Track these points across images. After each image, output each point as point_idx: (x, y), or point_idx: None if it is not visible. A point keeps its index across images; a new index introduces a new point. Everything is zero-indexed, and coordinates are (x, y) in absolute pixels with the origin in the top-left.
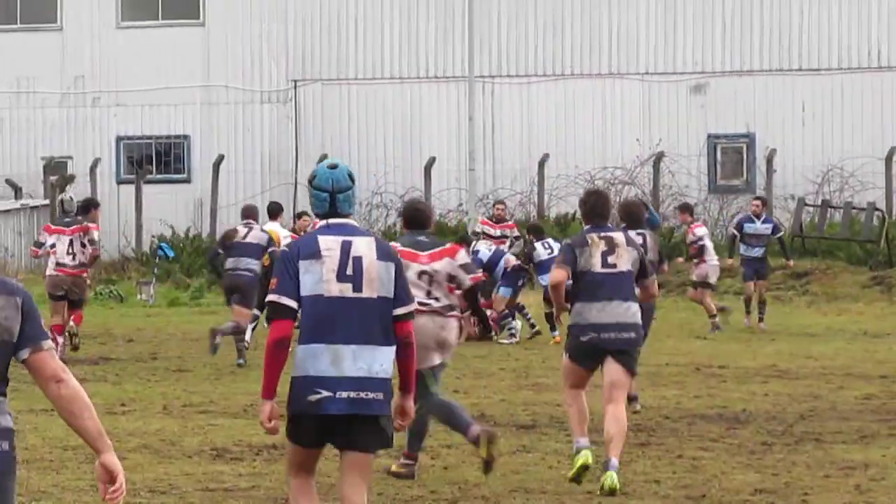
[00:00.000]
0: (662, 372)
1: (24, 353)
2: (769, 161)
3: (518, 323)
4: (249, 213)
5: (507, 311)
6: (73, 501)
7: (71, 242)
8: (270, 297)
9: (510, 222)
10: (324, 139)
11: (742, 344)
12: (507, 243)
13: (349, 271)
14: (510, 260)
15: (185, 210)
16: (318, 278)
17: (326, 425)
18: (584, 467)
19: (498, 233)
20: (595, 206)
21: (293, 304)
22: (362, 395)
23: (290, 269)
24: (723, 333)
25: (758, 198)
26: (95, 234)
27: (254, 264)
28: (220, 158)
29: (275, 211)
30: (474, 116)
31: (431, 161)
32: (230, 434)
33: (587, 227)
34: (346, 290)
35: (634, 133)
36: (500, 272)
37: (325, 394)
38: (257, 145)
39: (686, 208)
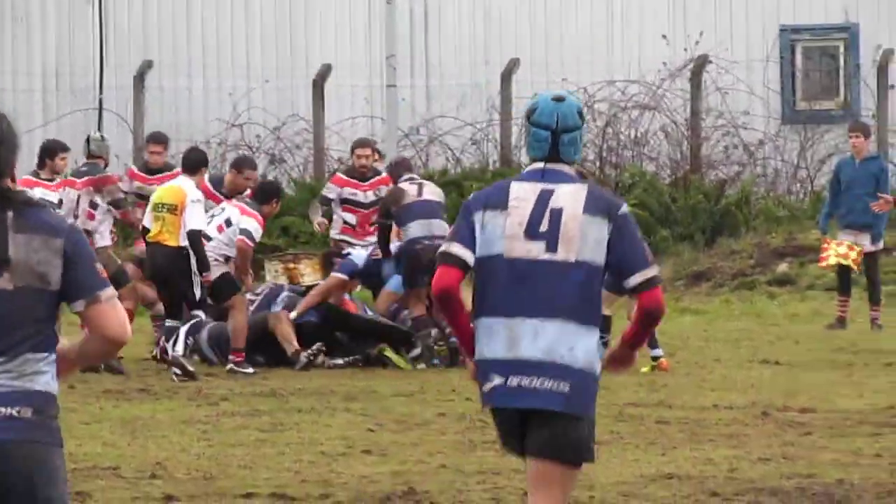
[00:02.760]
0: (708, 419)
1: (79, 305)
2: (881, 69)
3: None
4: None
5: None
6: None
7: (78, 200)
8: (442, 247)
9: (383, 175)
10: (146, 36)
11: (839, 371)
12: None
13: (543, 227)
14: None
15: None
16: (500, 234)
17: (512, 424)
18: None
19: (370, 197)
20: None
21: (466, 253)
22: (536, 383)
23: (465, 217)
24: (809, 352)
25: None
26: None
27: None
28: None
29: (197, 163)
30: None
31: (325, 72)
32: None
33: None
34: (537, 249)
35: (660, 25)
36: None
37: (497, 381)
38: (36, 47)
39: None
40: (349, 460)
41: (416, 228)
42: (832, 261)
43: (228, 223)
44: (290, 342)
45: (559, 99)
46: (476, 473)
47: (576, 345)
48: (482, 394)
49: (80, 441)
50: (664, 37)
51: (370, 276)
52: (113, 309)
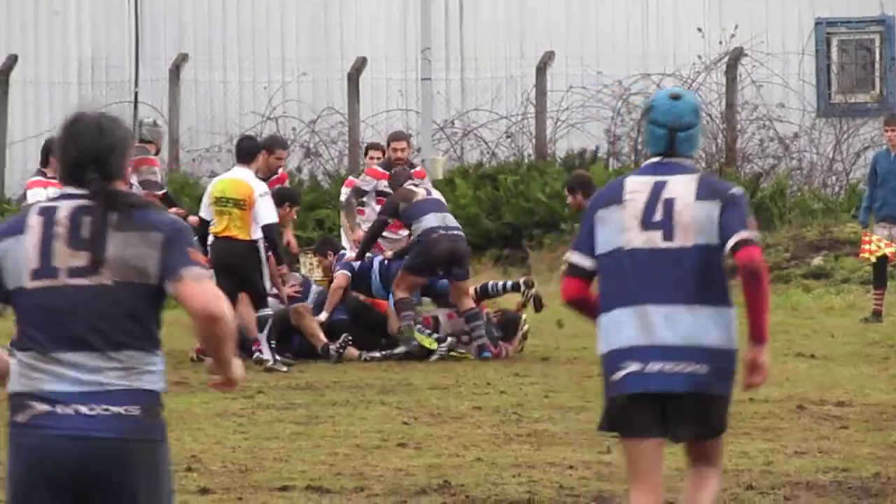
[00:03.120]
0: (744, 412)
1: (170, 288)
2: None
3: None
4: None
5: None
6: None
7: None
8: (566, 255)
9: (419, 169)
10: (181, 29)
11: (875, 364)
12: None
13: (658, 216)
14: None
15: None
16: (618, 227)
17: (644, 407)
18: None
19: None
20: None
21: (585, 261)
22: (679, 368)
23: (586, 220)
24: (844, 345)
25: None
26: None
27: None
28: (12, 61)
29: (253, 150)
30: None
31: (360, 65)
32: None
33: None
34: (654, 238)
35: (695, 18)
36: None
37: (633, 368)
38: (72, 39)
39: None
40: (384, 453)
41: (431, 219)
42: (873, 247)
43: None
44: (317, 336)
45: (676, 97)
46: (511, 467)
47: (710, 327)
48: (610, 383)
49: None
50: (699, 30)
51: (362, 278)
52: (196, 284)
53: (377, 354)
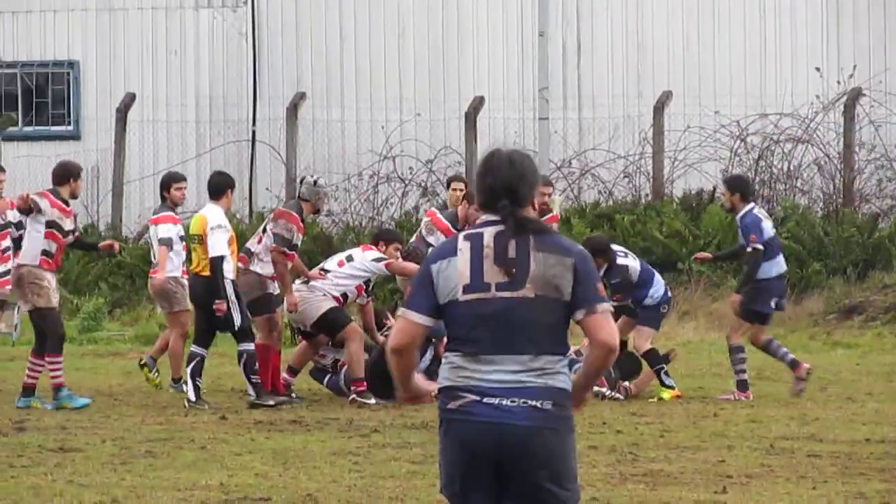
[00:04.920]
0: (860, 453)
1: (580, 314)
2: None
3: None
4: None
5: None
6: None
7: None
8: None
9: (555, 213)
10: (299, 69)
11: None
12: None
13: None
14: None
15: None
16: None
17: None
18: None
19: None
20: None
21: None
22: None
23: None
24: None
25: None
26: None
27: None
28: (130, 100)
29: (220, 187)
30: (549, 32)
31: (477, 104)
32: None
33: None
34: None
35: (813, 58)
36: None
37: None
38: (190, 79)
39: None
40: None
41: None
42: None
43: (350, 259)
44: (355, 366)
45: None
46: None
47: None
48: None
49: (232, 472)
50: (817, 69)
51: None
52: (605, 320)
53: None
